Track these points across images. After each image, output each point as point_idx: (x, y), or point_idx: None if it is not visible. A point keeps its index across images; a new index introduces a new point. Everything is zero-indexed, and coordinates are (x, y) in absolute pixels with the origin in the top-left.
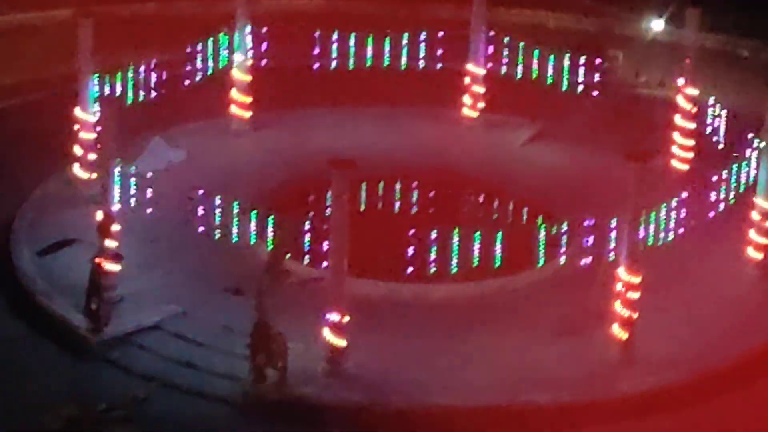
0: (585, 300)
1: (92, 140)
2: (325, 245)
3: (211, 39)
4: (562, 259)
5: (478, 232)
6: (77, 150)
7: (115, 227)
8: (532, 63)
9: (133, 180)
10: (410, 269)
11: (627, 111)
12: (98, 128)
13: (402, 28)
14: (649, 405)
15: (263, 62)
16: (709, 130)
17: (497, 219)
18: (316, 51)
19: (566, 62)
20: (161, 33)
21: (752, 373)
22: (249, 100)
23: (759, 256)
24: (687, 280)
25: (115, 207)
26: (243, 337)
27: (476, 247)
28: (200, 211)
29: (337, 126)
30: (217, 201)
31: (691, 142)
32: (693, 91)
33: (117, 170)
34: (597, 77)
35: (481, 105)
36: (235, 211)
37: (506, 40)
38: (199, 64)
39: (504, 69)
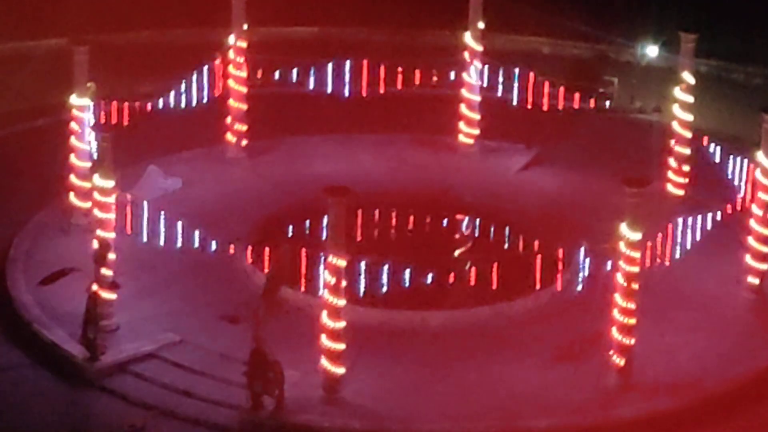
0: (582, 326)
1: (88, 168)
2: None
3: (207, 67)
4: (559, 285)
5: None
6: (73, 179)
7: (112, 256)
8: (527, 89)
9: (129, 208)
10: (407, 296)
11: (622, 136)
12: (94, 157)
13: (397, 56)
14: (645, 430)
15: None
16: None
17: (493, 245)
18: (311, 78)
19: (562, 88)
20: (157, 61)
21: (749, 398)
22: (244, 127)
23: (755, 281)
24: (683, 305)
25: (111, 235)
26: (240, 364)
27: (472, 273)
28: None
29: (333, 153)
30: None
31: (686, 168)
32: (688, 117)
33: (113, 198)
34: (592, 103)
35: (476, 131)
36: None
37: (501, 66)
38: (194, 91)
39: (499, 95)
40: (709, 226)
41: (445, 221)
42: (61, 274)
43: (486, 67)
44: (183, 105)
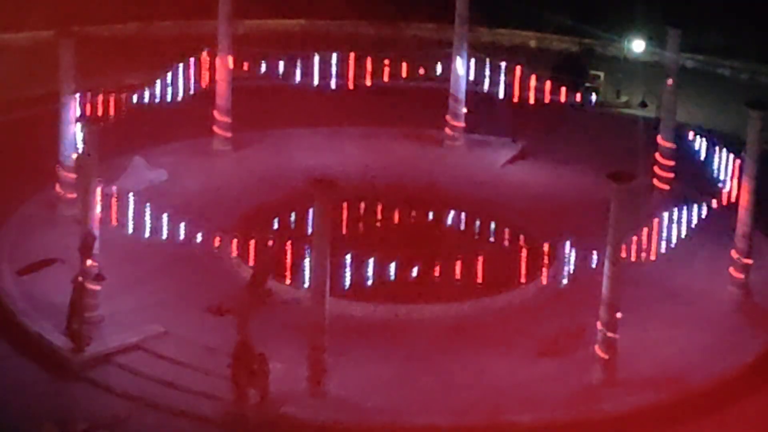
0: (567, 320)
1: (74, 160)
2: (307, 265)
3: (193, 59)
4: (544, 280)
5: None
6: (59, 169)
7: (97, 247)
8: (514, 83)
9: (114, 200)
10: (393, 289)
11: (608, 131)
12: (79, 148)
13: (384, 49)
14: (630, 425)
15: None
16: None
17: (479, 239)
18: (298, 71)
19: (548, 82)
20: (143, 53)
21: (733, 393)
22: (230, 120)
23: (740, 275)
24: (668, 300)
25: (97, 227)
26: (224, 357)
27: (458, 267)
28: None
29: (319, 146)
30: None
31: (671, 162)
32: (674, 112)
33: (98, 190)
34: (578, 97)
35: (462, 125)
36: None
37: (488, 60)
38: (180, 83)
39: (486, 89)
40: (694, 221)
41: (430, 214)
42: (41, 264)
43: (472, 60)
44: (169, 97)
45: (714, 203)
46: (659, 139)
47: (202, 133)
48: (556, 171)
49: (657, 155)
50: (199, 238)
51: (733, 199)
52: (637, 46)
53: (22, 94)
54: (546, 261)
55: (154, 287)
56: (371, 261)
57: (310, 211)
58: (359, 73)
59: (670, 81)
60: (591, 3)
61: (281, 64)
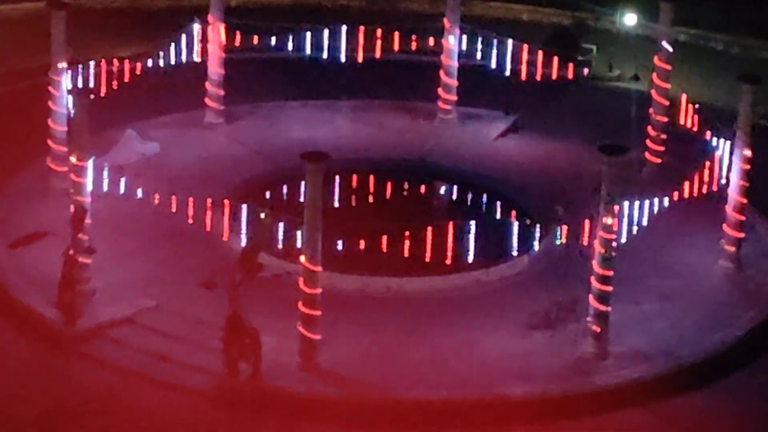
0: (559, 293)
1: (65, 132)
2: (299, 239)
3: (185, 31)
4: (536, 252)
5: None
6: (50, 142)
7: (88, 220)
8: (506, 56)
9: (106, 172)
10: (384, 262)
11: (600, 104)
12: (71, 120)
13: (376, 21)
14: (622, 398)
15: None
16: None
17: (471, 212)
18: (290, 43)
19: (540, 55)
20: (135, 25)
21: (726, 366)
22: (223, 92)
23: (732, 249)
24: (660, 274)
25: (88, 199)
26: (216, 330)
27: (450, 240)
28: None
29: (311, 119)
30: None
31: (663, 136)
32: (666, 85)
33: (90, 163)
34: (571, 71)
35: (455, 98)
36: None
37: (480, 33)
38: (172, 55)
39: (478, 62)
40: (686, 194)
41: (423, 187)
42: (33, 237)
43: (465, 33)
44: (161, 69)
45: (706, 176)
46: (651, 112)
47: (194, 105)
48: (548, 144)
49: (649, 128)
50: (191, 211)
51: (724, 173)
52: (630, 19)
53: (13, 66)
54: (538, 234)
55: (146, 260)
56: (363, 234)
57: (302, 184)
58: (351, 46)
59: (662, 54)
60: None
61: (273, 36)
